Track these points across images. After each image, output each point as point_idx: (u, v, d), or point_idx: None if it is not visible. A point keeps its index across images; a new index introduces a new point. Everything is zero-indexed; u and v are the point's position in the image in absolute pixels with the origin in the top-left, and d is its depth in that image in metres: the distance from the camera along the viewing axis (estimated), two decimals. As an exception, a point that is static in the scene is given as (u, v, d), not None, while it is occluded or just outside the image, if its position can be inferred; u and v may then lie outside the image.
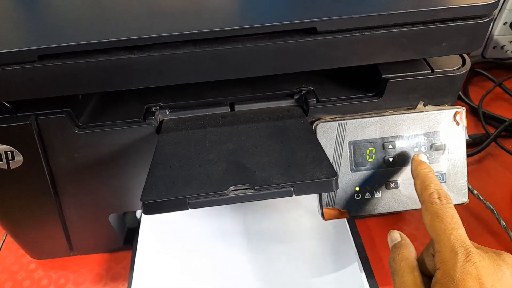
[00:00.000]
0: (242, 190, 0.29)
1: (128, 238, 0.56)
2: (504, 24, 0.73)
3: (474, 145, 0.67)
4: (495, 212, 0.55)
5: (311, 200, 0.56)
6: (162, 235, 0.54)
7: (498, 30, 0.74)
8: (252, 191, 0.29)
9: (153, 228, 0.54)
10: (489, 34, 0.75)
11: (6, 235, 0.61)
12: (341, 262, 0.49)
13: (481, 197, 0.56)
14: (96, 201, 0.47)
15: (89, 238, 0.53)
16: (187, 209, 0.29)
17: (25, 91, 0.35)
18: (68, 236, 0.52)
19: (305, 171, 0.30)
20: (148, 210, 0.29)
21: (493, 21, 0.73)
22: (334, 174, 0.30)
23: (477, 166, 0.66)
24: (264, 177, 0.30)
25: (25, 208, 0.46)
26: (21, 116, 0.38)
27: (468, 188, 0.57)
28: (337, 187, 0.30)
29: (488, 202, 0.56)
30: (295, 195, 0.29)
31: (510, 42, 0.76)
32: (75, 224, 0.50)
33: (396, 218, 0.59)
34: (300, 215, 0.55)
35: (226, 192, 0.29)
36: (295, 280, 0.48)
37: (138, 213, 0.56)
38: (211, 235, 0.54)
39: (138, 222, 0.56)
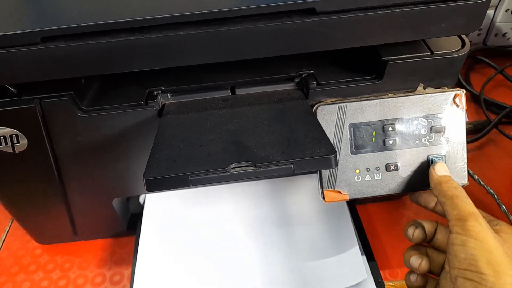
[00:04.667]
0: (243, 168, 0.30)
1: (132, 223, 0.57)
2: (506, 11, 0.73)
3: (475, 132, 0.67)
4: (496, 196, 0.55)
5: (311, 185, 0.57)
6: (165, 220, 0.54)
7: (500, 17, 0.74)
8: (253, 168, 0.30)
9: (156, 214, 0.55)
10: (491, 21, 0.75)
11: (12, 221, 0.61)
12: (342, 246, 0.50)
13: (481, 182, 0.56)
14: (100, 185, 0.48)
15: (93, 223, 0.54)
16: (189, 185, 0.29)
17: (28, 74, 0.36)
18: (72, 221, 0.52)
19: (305, 149, 0.31)
20: (151, 187, 0.30)
21: (495, 8, 0.73)
22: (334, 151, 0.30)
23: (478, 152, 0.66)
24: (264, 155, 0.31)
25: (30, 192, 0.47)
26: (25, 99, 0.39)
27: (469, 173, 0.57)
28: (336, 164, 0.30)
29: (488, 187, 0.56)
30: (295, 172, 0.30)
31: (512, 29, 0.76)
32: (79, 209, 0.50)
33: (396, 203, 0.59)
34: (300, 200, 0.56)
35: (227, 169, 0.30)
36: (296, 263, 0.49)
37: (142, 198, 0.57)
38: (212, 220, 0.54)
39: (141, 207, 0.57)
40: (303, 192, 0.56)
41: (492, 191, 0.56)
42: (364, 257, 0.49)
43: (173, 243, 0.52)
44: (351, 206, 0.54)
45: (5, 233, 0.60)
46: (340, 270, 0.47)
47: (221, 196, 0.57)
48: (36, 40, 0.34)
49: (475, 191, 0.60)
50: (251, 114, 0.38)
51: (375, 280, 0.47)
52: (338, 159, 0.42)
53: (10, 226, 0.61)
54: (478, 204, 0.58)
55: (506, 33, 0.76)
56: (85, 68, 0.36)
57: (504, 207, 0.54)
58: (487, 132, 0.65)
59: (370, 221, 0.57)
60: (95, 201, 0.50)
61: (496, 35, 0.77)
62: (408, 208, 0.59)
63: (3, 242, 0.59)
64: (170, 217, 0.55)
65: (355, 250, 0.49)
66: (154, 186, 0.30)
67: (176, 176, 0.30)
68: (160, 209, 0.55)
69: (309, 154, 0.30)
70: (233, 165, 0.30)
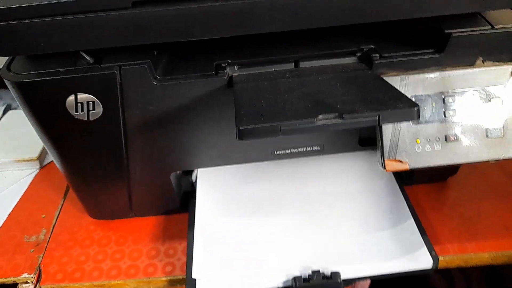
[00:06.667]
0: (330, 119, 0.31)
1: (183, 201, 0.58)
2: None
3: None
4: (543, 177, 0.56)
5: (358, 167, 0.58)
6: (216, 195, 0.56)
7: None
8: (340, 119, 0.31)
9: (209, 189, 0.56)
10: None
11: (65, 199, 0.63)
12: (396, 219, 0.51)
13: (528, 164, 0.58)
14: (161, 158, 0.50)
15: (150, 198, 0.55)
16: (279, 135, 0.31)
17: (115, 38, 0.38)
18: (130, 196, 0.54)
19: (387, 104, 0.32)
20: (244, 136, 0.31)
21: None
22: (416, 104, 0.32)
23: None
24: (349, 108, 0.32)
25: (95, 163, 0.49)
26: (105, 66, 0.41)
27: None
28: (418, 116, 0.32)
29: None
30: (380, 123, 0.31)
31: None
32: (139, 182, 0.52)
33: (441, 184, 0.60)
34: (349, 181, 0.57)
35: (315, 120, 0.31)
36: (352, 236, 0.50)
37: (194, 176, 0.58)
38: (265, 198, 0.56)
39: (192, 185, 0.59)
40: (351, 173, 0.58)
41: (539, 172, 0.56)
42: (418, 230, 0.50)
43: (226, 216, 0.53)
44: (400, 186, 0.56)
45: (58, 210, 0.62)
46: (397, 242, 0.48)
47: (271, 176, 0.58)
48: (127, 5, 0.36)
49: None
50: (322, 81, 0.40)
51: (430, 253, 0.48)
52: (400, 128, 0.44)
53: (62, 205, 0.63)
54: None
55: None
56: (169, 34, 0.38)
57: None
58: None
59: (417, 200, 0.58)
60: (155, 174, 0.52)
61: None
62: (452, 189, 0.60)
63: (57, 219, 0.61)
64: (222, 194, 0.56)
65: (410, 223, 0.50)
66: (247, 135, 0.31)
67: (267, 125, 0.31)
68: (212, 184, 0.57)
69: (393, 107, 0.32)
70: (320, 116, 0.31)
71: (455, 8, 0.39)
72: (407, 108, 0.31)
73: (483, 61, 0.44)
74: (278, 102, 0.35)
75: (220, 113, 0.46)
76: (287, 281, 0.47)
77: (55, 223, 0.60)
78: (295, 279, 0.46)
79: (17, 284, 0.54)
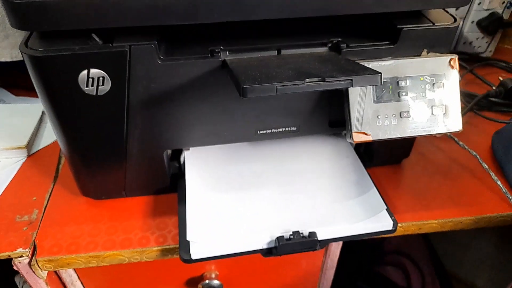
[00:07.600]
0: (315, 82, 0.40)
1: (171, 183, 0.64)
2: (472, 22, 0.90)
3: (454, 116, 0.80)
4: (478, 157, 0.67)
5: (328, 150, 0.67)
6: (204, 175, 0.62)
7: (467, 28, 0.91)
8: (323, 82, 0.39)
9: (196, 170, 0.62)
10: (460, 31, 0.91)
11: (55, 182, 0.66)
12: (361, 190, 0.59)
13: (466, 147, 0.69)
14: (157, 135, 0.55)
15: (143, 175, 0.60)
16: (275, 93, 0.39)
17: (127, 18, 0.44)
18: (125, 173, 0.59)
19: (358, 72, 0.41)
20: (247, 93, 0.38)
21: (463, 20, 0.90)
22: (379, 72, 0.41)
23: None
24: (328, 75, 0.40)
25: (97, 138, 0.54)
26: (117, 45, 0.47)
27: (454, 139, 0.70)
28: (381, 82, 0.41)
29: (471, 150, 0.68)
30: (352, 86, 0.40)
31: (477, 38, 0.92)
32: (134, 159, 0.57)
33: (396, 167, 0.70)
34: (320, 161, 0.65)
35: (303, 82, 0.39)
36: (326, 204, 0.57)
37: (182, 158, 0.64)
38: (248, 176, 0.62)
39: (180, 168, 0.64)
40: (320, 155, 0.66)
41: (474, 153, 0.68)
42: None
43: (214, 190, 0.59)
44: (363, 164, 0.65)
45: (49, 193, 0.65)
46: (363, 208, 0.56)
47: (251, 158, 0.65)
48: (142, -11, 0.43)
49: (459, 156, 0.72)
50: (303, 61, 0.48)
51: (390, 217, 0.56)
52: (364, 106, 0.53)
53: (53, 188, 0.66)
54: (463, 167, 0.70)
55: (471, 42, 0.93)
56: (177, 16, 0.45)
57: (486, 165, 0.67)
58: (463, 114, 0.78)
59: (376, 180, 0.67)
60: (150, 151, 0.57)
61: (464, 43, 0.93)
62: (405, 170, 0.70)
63: (48, 201, 0.64)
64: (208, 171, 0.62)
65: (373, 192, 0.58)
66: (249, 92, 0.38)
67: (266, 85, 0.39)
68: (199, 164, 0.63)
69: (362, 74, 0.40)
70: (307, 80, 0.39)
71: (404, 6, 0.49)
72: (373, 75, 0.40)
73: (427, 52, 0.55)
74: (270, 73, 0.43)
75: (214, 93, 0.53)
76: (271, 241, 0.54)
77: (47, 204, 0.63)
78: (278, 239, 0.53)
79: (11, 260, 0.56)
